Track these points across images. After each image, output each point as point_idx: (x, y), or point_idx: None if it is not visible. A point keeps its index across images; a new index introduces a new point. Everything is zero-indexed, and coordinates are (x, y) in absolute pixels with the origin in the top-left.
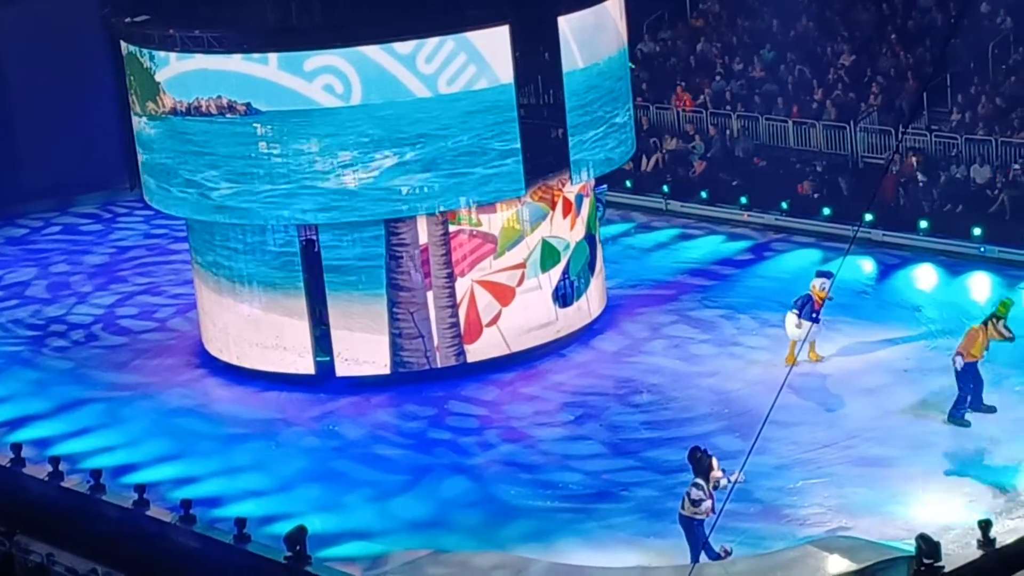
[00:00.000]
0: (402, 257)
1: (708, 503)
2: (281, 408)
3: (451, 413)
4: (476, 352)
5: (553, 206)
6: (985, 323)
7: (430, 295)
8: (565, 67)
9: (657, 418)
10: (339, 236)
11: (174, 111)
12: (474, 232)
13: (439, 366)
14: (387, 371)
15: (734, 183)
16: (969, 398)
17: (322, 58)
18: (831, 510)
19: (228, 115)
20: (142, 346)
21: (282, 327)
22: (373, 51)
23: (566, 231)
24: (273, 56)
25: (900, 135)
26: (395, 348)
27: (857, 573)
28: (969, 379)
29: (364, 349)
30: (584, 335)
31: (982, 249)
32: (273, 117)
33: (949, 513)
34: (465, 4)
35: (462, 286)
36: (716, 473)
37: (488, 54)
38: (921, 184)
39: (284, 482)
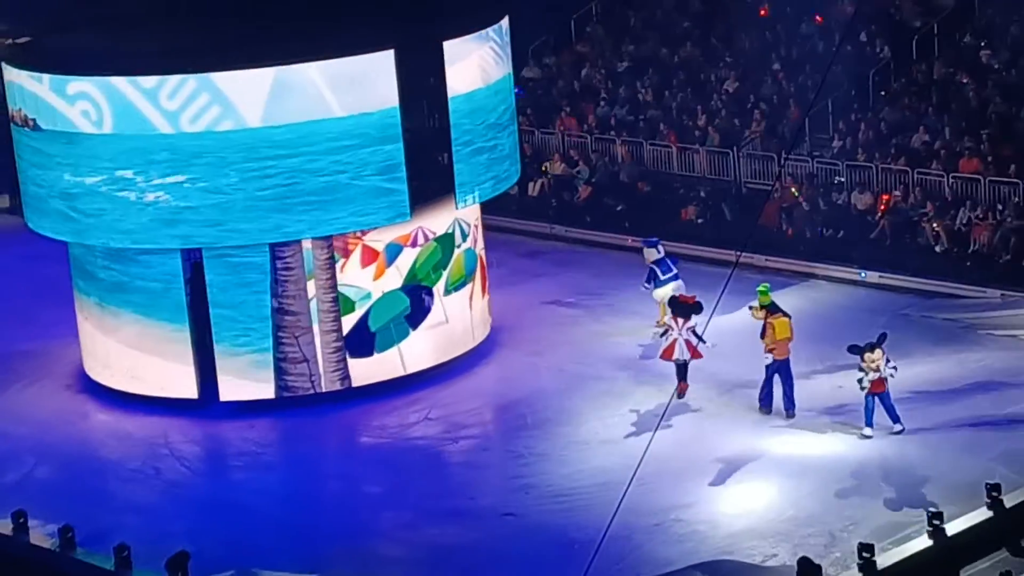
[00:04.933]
0: (288, 281)
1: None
2: (163, 433)
3: (335, 438)
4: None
5: (346, 254)
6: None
7: (315, 319)
8: (450, 92)
9: (543, 443)
10: (223, 259)
11: (10, 117)
12: None
13: (324, 390)
14: (271, 395)
15: (619, 208)
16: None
17: (81, 84)
18: (716, 531)
19: (28, 128)
20: (21, 370)
21: (164, 350)
22: (120, 83)
23: (366, 280)
24: (46, 77)
25: (782, 161)
26: (279, 372)
27: None
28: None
29: (248, 373)
30: (471, 358)
31: (863, 275)
32: (50, 136)
33: (833, 533)
34: (351, 27)
35: None
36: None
37: (233, 95)
38: (805, 209)
39: (165, 507)
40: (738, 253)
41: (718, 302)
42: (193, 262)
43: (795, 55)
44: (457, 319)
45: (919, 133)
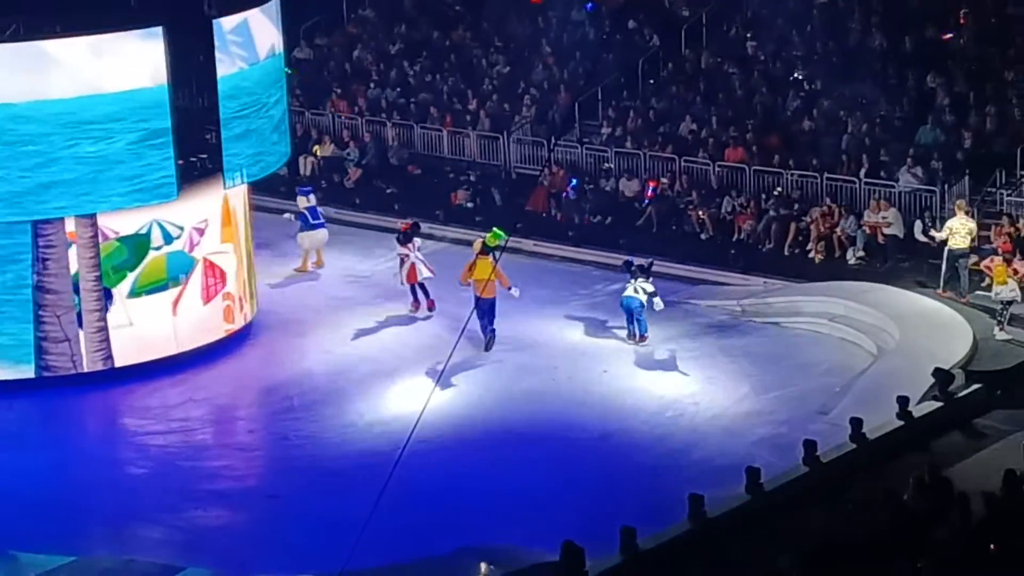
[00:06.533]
0: (49, 259)
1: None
2: None
3: (97, 419)
4: None
5: None
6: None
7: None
8: (220, 71)
9: (309, 424)
10: None
11: None
12: None
13: (86, 370)
14: (31, 375)
15: (388, 190)
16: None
17: None
18: (485, 511)
19: None
20: None
21: None
22: None
23: None
24: None
25: (551, 147)
26: (40, 351)
27: None
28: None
29: (7, 352)
30: (236, 340)
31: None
32: None
33: (598, 516)
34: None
35: None
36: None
37: None
38: (573, 199)
39: None
40: (506, 238)
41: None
42: None
43: (566, 41)
44: (148, 324)
45: (686, 122)
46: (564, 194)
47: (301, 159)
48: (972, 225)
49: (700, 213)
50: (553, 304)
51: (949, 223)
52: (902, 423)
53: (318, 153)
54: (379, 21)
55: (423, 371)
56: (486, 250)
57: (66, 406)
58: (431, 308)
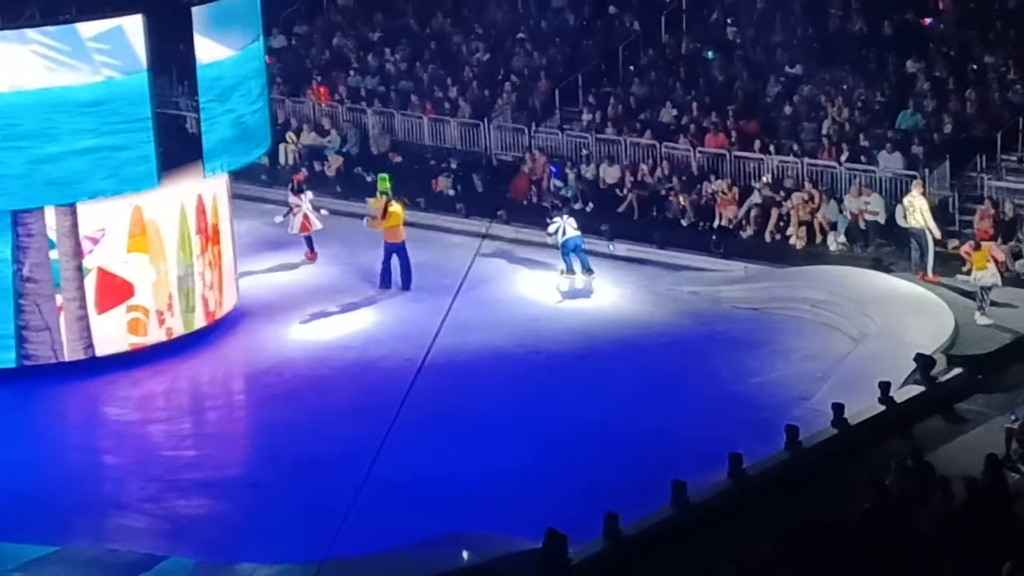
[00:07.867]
0: (30, 248)
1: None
2: None
3: (79, 408)
4: None
5: None
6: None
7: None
8: (199, 59)
9: (291, 412)
10: None
11: None
12: None
13: (67, 359)
14: (12, 364)
15: (369, 178)
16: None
17: None
18: (466, 500)
19: None
20: None
21: None
22: None
23: None
24: None
25: (532, 133)
26: (20, 340)
27: (486, 565)
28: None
29: None
30: (219, 328)
31: (611, 247)
32: None
33: (580, 501)
34: None
35: None
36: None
37: None
38: (559, 184)
39: None
40: (488, 223)
41: (468, 271)
42: None
43: (545, 28)
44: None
45: (667, 108)
46: (546, 181)
47: (281, 147)
48: (917, 203)
49: (681, 199)
50: (531, 289)
51: (902, 202)
52: (884, 408)
53: (299, 141)
54: (358, 9)
55: (404, 358)
56: (392, 197)
57: (47, 395)
58: (312, 260)
